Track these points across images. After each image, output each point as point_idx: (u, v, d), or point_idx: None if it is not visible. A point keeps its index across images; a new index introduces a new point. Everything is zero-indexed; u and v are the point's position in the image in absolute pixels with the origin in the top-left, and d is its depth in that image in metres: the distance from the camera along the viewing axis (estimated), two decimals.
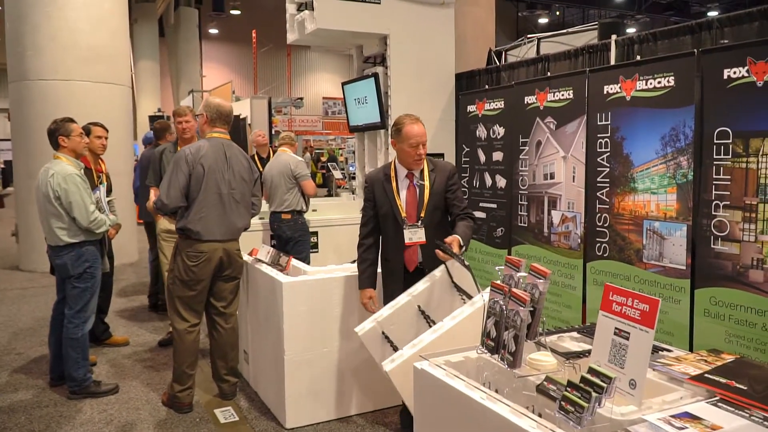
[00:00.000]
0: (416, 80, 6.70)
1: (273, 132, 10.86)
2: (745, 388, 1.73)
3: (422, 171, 3.29)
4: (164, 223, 4.85)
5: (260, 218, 6.03)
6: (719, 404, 1.68)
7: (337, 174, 10.92)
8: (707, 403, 1.69)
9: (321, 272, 3.77)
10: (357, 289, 3.62)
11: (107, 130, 5.00)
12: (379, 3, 6.45)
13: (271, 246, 5.67)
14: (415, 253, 3.26)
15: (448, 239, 3.05)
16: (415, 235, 3.18)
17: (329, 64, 27.93)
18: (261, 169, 7.23)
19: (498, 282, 2.18)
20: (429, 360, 2.18)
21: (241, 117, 9.73)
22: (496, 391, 2.01)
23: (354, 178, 7.90)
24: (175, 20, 21.63)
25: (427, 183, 3.25)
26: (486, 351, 2.18)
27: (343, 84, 7.40)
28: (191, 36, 21.68)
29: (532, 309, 2.05)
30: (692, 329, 3.75)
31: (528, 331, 2.06)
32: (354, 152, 7.92)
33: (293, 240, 5.66)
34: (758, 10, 3.94)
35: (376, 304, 3.28)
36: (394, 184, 3.25)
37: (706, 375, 1.83)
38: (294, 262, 3.99)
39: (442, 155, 6.90)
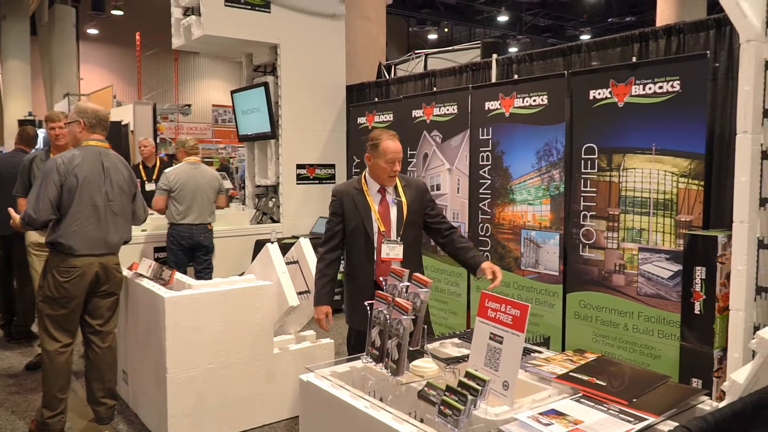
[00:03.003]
0: (307, 91, 6.71)
1: (158, 140, 10.38)
2: (605, 384, 1.89)
3: (396, 187, 3.18)
4: (34, 235, 4.51)
5: (143, 230, 5.76)
6: (582, 400, 1.81)
7: (227, 184, 10.62)
8: (571, 399, 1.83)
9: (206, 286, 3.66)
10: (244, 302, 3.56)
11: None
12: (269, 12, 6.41)
13: (156, 259, 5.45)
14: (389, 269, 3.12)
15: (488, 268, 2.96)
16: (392, 251, 3.05)
17: (219, 71, 27.17)
18: (145, 179, 6.94)
19: (381, 293, 2.23)
20: (315, 371, 2.19)
21: (122, 123, 9.26)
22: (381, 399, 2.06)
23: (244, 187, 7.75)
24: (49, 18, 20.16)
25: (404, 199, 3.14)
26: (371, 360, 2.22)
27: (233, 92, 7.26)
28: (67, 36, 20.29)
29: (414, 317, 2.12)
30: (564, 330, 4.01)
31: (411, 338, 2.12)
32: (244, 161, 7.78)
33: (211, 249, 5.66)
34: (620, 36, 4.31)
35: (330, 321, 3.13)
36: (369, 198, 3.12)
37: (571, 373, 1.98)
38: (178, 275, 3.85)
39: (333, 166, 6.95)
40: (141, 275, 3.84)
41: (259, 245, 6.21)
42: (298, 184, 6.76)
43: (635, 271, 3.64)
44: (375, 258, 3.09)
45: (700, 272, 3.13)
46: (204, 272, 5.53)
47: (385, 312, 2.17)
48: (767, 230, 2.75)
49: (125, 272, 3.90)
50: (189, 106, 15.24)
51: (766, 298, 2.76)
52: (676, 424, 1.40)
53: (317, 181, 6.88)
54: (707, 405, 1.88)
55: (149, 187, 6.53)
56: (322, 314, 3.10)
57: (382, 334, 2.16)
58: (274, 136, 6.65)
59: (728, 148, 3.48)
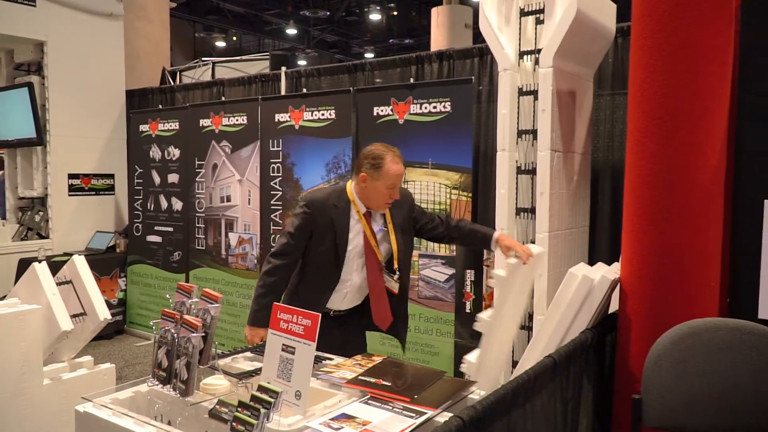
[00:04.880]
0: (80, 94, 6.14)
1: None
2: (390, 384, 2.02)
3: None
4: None
5: None
6: (369, 401, 1.91)
7: None
8: (360, 402, 1.92)
9: None
10: (6, 330, 3.13)
11: None
12: (34, 5, 5.75)
13: None
14: (388, 307, 2.69)
15: (504, 244, 2.57)
16: (388, 284, 2.67)
17: None
18: None
19: (169, 310, 2.13)
20: (93, 400, 2.01)
21: None
22: (169, 423, 1.96)
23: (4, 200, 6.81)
24: None
25: (391, 227, 2.66)
26: (158, 382, 2.10)
27: None
28: None
29: (204, 334, 2.05)
30: None
31: (201, 356, 2.05)
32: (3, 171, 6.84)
33: None
34: (400, 58, 4.64)
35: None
36: (363, 221, 2.63)
37: (359, 377, 2.07)
38: None
39: (112, 176, 6.44)
40: None
41: (24, 264, 5.51)
42: (70, 195, 6.13)
43: (416, 276, 3.93)
44: (336, 288, 2.67)
45: (470, 275, 3.49)
46: None
47: (173, 331, 2.07)
48: (523, 236, 3.16)
49: None
50: None
51: None
52: (451, 414, 1.55)
53: (93, 193, 6.31)
54: (476, 395, 2.10)
55: None
56: (258, 338, 2.64)
57: (169, 354, 2.06)
58: (41, 142, 5.96)
59: (491, 163, 3.94)
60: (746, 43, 2.33)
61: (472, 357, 2.53)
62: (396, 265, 2.68)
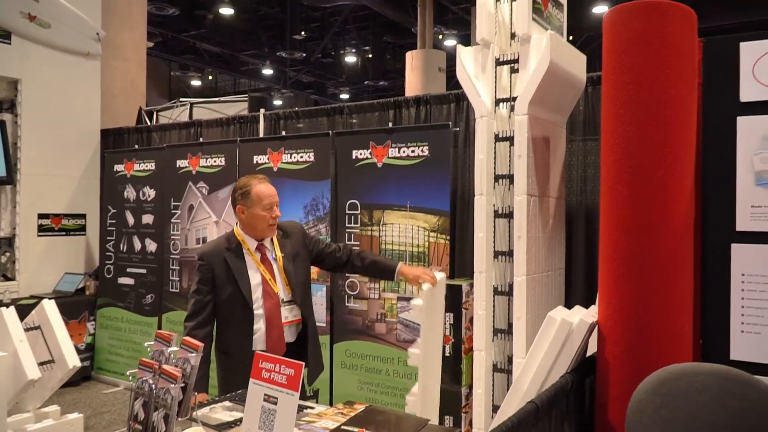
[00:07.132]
0: (54, 132, 6.08)
1: None
2: None
3: (272, 241, 2.79)
4: None
5: None
6: None
7: None
8: None
9: None
10: None
11: None
12: (10, 43, 5.73)
13: None
14: (282, 338, 2.72)
15: (411, 276, 2.71)
16: (291, 313, 2.74)
17: None
18: None
19: (147, 359, 2.09)
20: None
21: None
22: None
23: None
24: None
25: (279, 254, 2.77)
26: None
27: None
28: None
29: (183, 385, 2.01)
30: (332, 380, 4.13)
31: (180, 408, 2.01)
32: None
33: None
34: (378, 102, 4.71)
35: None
36: (251, 258, 2.71)
37: (342, 427, 2.05)
38: None
39: (84, 216, 6.34)
40: None
41: None
42: (39, 236, 6.01)
43: (395, 319, 3.93)
44: (255, 329, 2.70)
45: (449, 318, 3.49)
46: None
47: (150, 381, 2.03)
48: (501, 279, 3.19)
49: None
50: None
51: (501, 338, 3.19)
52: None
53: (64, 233, 6.20)
54: None
55: None
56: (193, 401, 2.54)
57: (146, 405, 2.01)
58: (11, 181, 5.86)
59: (468, 206, 3.99)
60: (708, 94, 2.45)
61: (415, 350, 2.59)
62: (289, 292, 2.75)
